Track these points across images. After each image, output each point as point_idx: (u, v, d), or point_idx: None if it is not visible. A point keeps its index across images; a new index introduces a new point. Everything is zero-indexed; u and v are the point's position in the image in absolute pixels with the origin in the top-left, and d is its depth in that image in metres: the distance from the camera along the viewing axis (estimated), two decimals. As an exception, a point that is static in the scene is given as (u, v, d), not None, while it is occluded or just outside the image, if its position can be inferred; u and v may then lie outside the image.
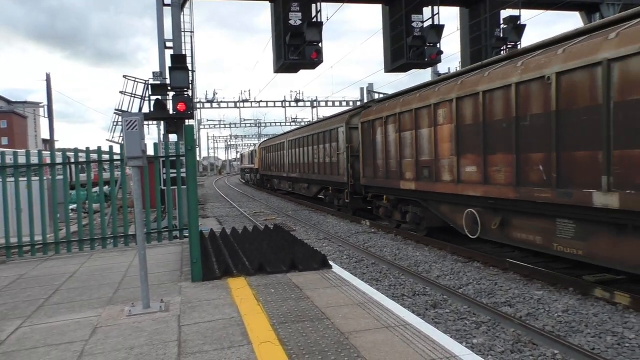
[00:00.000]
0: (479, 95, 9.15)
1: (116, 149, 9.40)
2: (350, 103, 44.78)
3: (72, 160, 9.01)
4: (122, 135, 13.57)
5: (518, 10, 17.76)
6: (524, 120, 8.09)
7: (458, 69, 21.72)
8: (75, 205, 10.23)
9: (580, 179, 7.03)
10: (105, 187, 14.64)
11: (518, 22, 17.64)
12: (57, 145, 35.29)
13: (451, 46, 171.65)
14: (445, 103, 10.36)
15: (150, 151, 9.03)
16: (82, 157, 8.89)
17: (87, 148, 8.91)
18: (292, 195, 28.98)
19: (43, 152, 8.87)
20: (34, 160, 8.91)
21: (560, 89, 7.33)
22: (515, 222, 8.66)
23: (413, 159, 11.86)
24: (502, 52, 16.73)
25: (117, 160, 9.03)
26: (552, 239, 7.77)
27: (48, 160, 8.91)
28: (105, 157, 9.10)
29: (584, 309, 6.56)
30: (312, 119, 50.10)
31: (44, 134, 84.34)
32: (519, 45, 17.52)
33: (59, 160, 9.18)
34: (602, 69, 6.60)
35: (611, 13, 17.93)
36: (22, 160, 8.93)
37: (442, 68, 24.80)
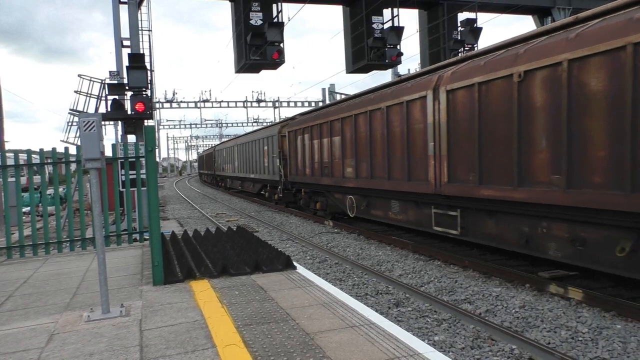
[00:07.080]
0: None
1: (72, 150, 9.11)
2: (312, 104, 44.61)
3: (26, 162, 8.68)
4: (78, 136, 13.17)
5: (475, 13, 18.24)
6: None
7: (418, 70, 22.06)
8: (28, 209, 9.84)
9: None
10: (61, 190, 14.16)
11: (475, 25, 18.10)
12: (7, 147, 33.81)
13: (411, 48, 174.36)
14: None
15: (108, 152, 8.81)
16: (36, 159, 8.59)
17: (41, 149, 8.61)
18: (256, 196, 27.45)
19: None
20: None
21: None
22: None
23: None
24: (460, 54, 17.11)
25: (73, 162, 8.76)
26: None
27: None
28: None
29: (539, 304, 6.79)
30: (275, 120, 49.05)
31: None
32: (475, 48, 17.99)
33: (10, 162, 8.81)
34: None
35: (562, 17, 18.60)
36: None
37: (402, 69, 25.12)
